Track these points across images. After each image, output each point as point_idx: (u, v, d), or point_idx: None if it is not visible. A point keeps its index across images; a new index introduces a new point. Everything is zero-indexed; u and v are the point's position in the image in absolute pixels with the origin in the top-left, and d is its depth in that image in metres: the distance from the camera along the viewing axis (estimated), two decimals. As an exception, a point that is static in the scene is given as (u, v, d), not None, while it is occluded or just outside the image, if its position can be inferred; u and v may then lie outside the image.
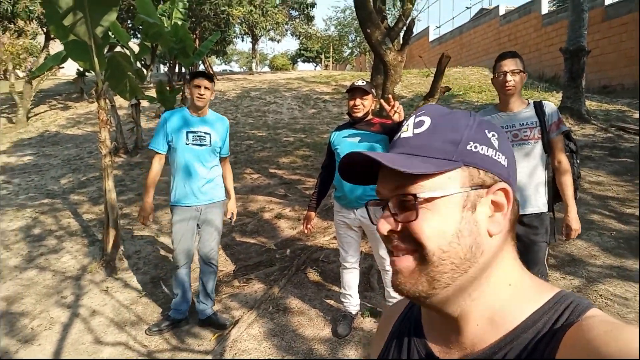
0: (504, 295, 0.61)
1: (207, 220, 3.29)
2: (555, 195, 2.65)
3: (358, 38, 27.71)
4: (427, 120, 0.63)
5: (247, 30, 24.20)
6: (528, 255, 2.55)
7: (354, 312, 3.26)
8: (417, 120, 0.65)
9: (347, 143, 2.99)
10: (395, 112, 2.83)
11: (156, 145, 3.21)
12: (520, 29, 15.06)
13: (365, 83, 2.96)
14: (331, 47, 30.02)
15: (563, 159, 2.57)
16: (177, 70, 15.45)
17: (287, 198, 6.01)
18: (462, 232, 0.59)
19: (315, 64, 38.49)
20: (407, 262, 0.60)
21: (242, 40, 26.66)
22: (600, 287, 3.43)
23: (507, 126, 2.60)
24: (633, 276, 3.56)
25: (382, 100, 2.92)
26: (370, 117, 3.04)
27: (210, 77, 3.18)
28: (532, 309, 0.59)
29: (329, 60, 31.62)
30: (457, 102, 11.08)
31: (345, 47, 30.32)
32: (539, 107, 2.60)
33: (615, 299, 3.27)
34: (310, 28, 28.17)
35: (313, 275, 4.04)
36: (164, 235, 5.07)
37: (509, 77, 2.52)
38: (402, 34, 4.79)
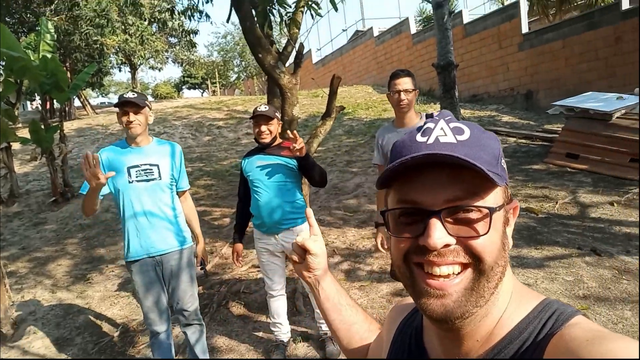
0: (505, 306, 0.61)
1: (174, 273, 2.68)
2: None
3: (243, 62, 27.82)
4: (466, 129, 0.61)
5: (124, 60, 23.00)
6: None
7: (285, 340, 3.20)
8: (452, 126, 0.61)
9: (258, 169, 2.95)
10: (297, 150, 2.72)
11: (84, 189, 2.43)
12: (393, 47, 16.25)
13: (267, 108, 2.92)
14: (217, 73, 29.73)
15: None
16: (48, 106, 14.15)
17: (195, 231, 5.76)
18: (504, 246, 0.59)
19: (202, 90, 37.74)
20: (462, 283, 0.57)
21: (120, 71, 25.27)
22: (504, 277, 3.77)
23: None
24: (530, 263, 3.97)
25: (288, 132, 2.83)
26: (279, 140, 3.05)
27: (137, 100, 2.52)
28: (518, 318, 0.60)
29: (215, 86, 31.23)
30: (348, 119, 11.59)
31: (231, 71, 30.22)
32: None
33: (518, 287, 3.60)
34: (193, 55, 27.66)
35: (237, 309, 3.90)
36: (61, 289, 4.55)
37: (402, 96, 2.70)
38: (293, 58, 4.92)
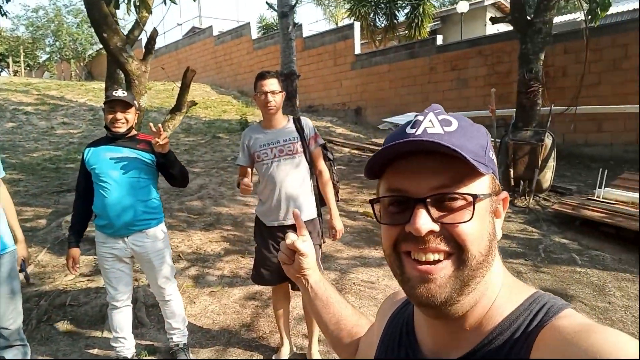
0: (494, 297, 0.62)
1: None
2: (320, 200, 2.95)
3: (58, 43, 24.38)
4: (454, 121, 0.61)
5: None
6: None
7: (130, 356, 2.84)
8: (440, 118, 0.62)
9: (107, 161, 2.60)
10: (160, 144, 2.49)
11: None
12: (234, 50, 16.12)
13: (126, 94, 2.62)
14: (22, 51, 25.43)
15: (324, 168, 2.88)
16: None
17: (0, 234, 4.76)
18: (490, 236, 0.60)
19: (0, 69, 31.76)
20: (447, 269, 0.58)
21: None
22: (351, 276, 4.00)
23: (272, 142, 2.72)
24: (371, 262, 4.28)
25: (151, 125, 2.55)
26: (134, 132, 2.73)
27: None
28: (508, 309, 0.61)
29: (19, 66, 26.66)
30: (186, 117, 11.03)
31: (41, 51, 26.18)
32: (298, 123, 2.83)
33: (365, 284, 3.86)
34: (-9, 25, 23.23)
35: (62, 325, 3.32)
36: None
37: (270, 97, 2.64)
38: (142, 42, 4.49)
